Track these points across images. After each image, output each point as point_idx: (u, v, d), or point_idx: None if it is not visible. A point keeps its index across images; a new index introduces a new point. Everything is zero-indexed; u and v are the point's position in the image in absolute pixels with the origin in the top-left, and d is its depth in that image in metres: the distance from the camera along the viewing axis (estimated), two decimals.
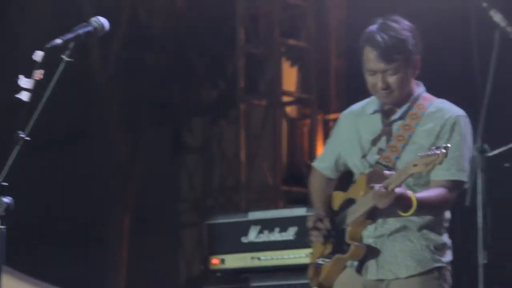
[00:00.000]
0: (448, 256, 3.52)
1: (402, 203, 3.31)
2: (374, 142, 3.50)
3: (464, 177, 3.44)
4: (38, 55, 3.03)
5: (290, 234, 5.69)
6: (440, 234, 3.51)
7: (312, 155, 3.74)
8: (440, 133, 3.44)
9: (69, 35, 3.10)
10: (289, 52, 8.62)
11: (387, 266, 3.47)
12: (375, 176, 3.38)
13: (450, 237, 3.54)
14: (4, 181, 2.97)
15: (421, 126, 3.47)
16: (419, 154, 3.21)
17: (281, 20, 8.51)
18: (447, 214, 3.54)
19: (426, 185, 3.46)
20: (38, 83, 3.02)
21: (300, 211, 5.62)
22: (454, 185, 3.43)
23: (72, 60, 3.08)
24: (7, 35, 7.61)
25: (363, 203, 3.41)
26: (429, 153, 3.18)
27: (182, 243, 9.04)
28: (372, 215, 3.43)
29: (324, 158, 3.73)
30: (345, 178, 3.73)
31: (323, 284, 3.57)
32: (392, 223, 3.46)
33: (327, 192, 3.68)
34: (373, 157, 3.49)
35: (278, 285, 5.72)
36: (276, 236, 5.72)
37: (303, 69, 8.66)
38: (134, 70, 8.54)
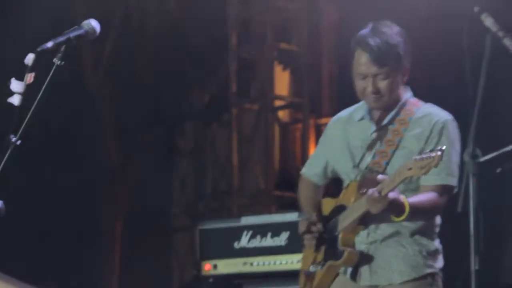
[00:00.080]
0: (440, 262, 3.52)
1: (395, 208, 3.30)
2: (370, 147, 3.50)
3: (453, 181, 3.44)
4: (29, 59, 3.02)
5: (282, 239, 5.68)
6: (432, 239, 3.51)
7: (304, 160, 3.75)
8: (428, 137, 3.45)
9: (60, 39, 3.09)
10: (281, 56, 8.62)
11: (381, 272, 3.46)
12: (366, 182, 3.39)
13: (442, 243, 3.54)
14: None
15: (409, 131, 3.47)
16: (414, 158, 3.21)
17: (273, 24, 8.50)
18: (438, 220, 3.55)
19: (416, 190, 3.46)
20: (29, 87, 3.01)
21: (292, 216, 5.61)
22: (444, 190, 3.43)
23: (63, 63, 3.07)
24: None
25: (355, 209, 3.41)
26: (424, 156, 3.17)
27: (175, 247, 9.02)
28: (364, 221, 3.43)
29: (313, 166, 3.73)
30: (333, 185, 3.73)
31: None
32: (385, 228, 3.46)
33: (316, 199, 3.68)
34: (363, 163, 3.49)
35: None
36: (269, 241, 5.72)
37: (295, 73, 8.66)
38: (126, 73, 8.53)
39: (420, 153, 3.23)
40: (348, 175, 3.54)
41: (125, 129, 8.70)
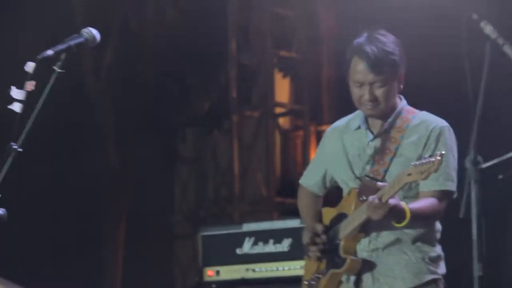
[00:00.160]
0: (442, 268, 3.53)
1: (396, 214, 3.30)
2: (367, 156, 3.51)
3: (452, 186, 3.46)
4: (30, 66, 3.02)
5: (284, 245, 5.68)
6: (433, 245, 3.51)
7: (305, 166, 3.75)
8: (426, 144, 3.46)
9: (61, 46, 3.10)
10: (281, 64, 8.63)
11: (383, 279, 3.46)
12: (365, 189, 3.39)
13: (445, 249, 3.54)
14: None
15: (406, 138, 3.48)
16: (413, 163, 3.22)
17: (272, 31, 8.52)
18: (438, 226, 3.55)
19: (416, 197, 3.47)
20: (30, 94, 3.02)
21: (294, 223, 5.61)
22: (444, 195, 3.44)
23: (64, 71, 3.08)
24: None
25: (356, 216, 3.41)
26: (423, 161, 3.18)
27: (176, 254, 9.02)
28: (365, 228, 3.43)
29: (311, 176, 3.73)
30: (330, 194, 3.73)
31: None
32: (386, 236, 3.46)
33: (316, 208, 3.70)
34: (361, 171, 3.49)
35: None
36: (271, 247, 5.72)
37: (295, 80, 8.67)
38: (126, 81, 8.54)
39: (418, 159, 3.24)
40: (347, 183, 3.55)
41: (126, 136, 8.71)
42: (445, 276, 3.54)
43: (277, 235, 5.71)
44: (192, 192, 9.10)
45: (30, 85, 3.02)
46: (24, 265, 7.03)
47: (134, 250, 8.53)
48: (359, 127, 3.56)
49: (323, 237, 3.53)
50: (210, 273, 5.86)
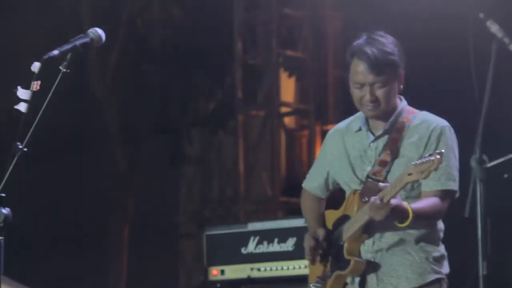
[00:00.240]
0: (446, 268, 3.53)
1: (398, 214, 3.31)
2: (369, 157, 3.51)
3: (454, 186, 3.46)
4: (36, 66, 3.03)
5: (289, 245, 5.68)
6: (437, 245, 3.52)
7: (310, 166, 3.75)
8: (427, 144, 3.46)
9: (66, 46, 3.10)
10: (287, 63, 8.63)
11: (387, 279, 3.46)
12: (368, 190, 3.40)
13: (450, 248, 3.54)
14: (2, 192, 2.96)
15: (407, 138, 3.49)
16: (413, 163, 3.23)
17: (278, 31, 8.52)
18: (442, 225, 3.55)
19: (418, 197, 3.47)
20: (36, 94, 3.02)
21: (299, 222, 5.60)
22: (446, 195, 3.45)
23: (70, 71, 3.08)
24: (7, 45, 7.62)
25: (358, 218, 3.42)
26: (423, 160, 3.19)
27: (181, 254, 9.03)
28: (368, 229, 3.44)
29: (313, 179, 3.74)
30: (335, 197, 3.74)
31: None
32: (390, 237, 3.47)
33: (320, 211, 3.70)
34: (363, 173, 3.50)
35: None
36: (276, 247, 5.72)
37: (301, 80, 8.67)
38: (132, 81, 8.55)
39: (420, 159, 3.25)
40: (350, 185, 3.56)
41: (131, 136, 8.72)
42: (449, 276, 3.54)
43: (282, 235, 5.71)
44: (197, 191, 9.10)
45: (36, 85, 3.02)
46: (29, 264, 7.05)
47: (139, 249, 8.54)
48: (360, 129, 3.57)
49: (323, 243, 3.55)
50: (215, 272, 5.86)
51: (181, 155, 9.15)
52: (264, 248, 5.74)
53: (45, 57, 3.05)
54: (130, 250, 8.61)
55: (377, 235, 3.47)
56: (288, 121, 8.74)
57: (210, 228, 6.12)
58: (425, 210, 3.38)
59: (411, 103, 3.63)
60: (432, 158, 3.16)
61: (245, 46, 8.51)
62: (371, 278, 3.48)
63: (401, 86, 3.52)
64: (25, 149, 2.99)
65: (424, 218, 3.40)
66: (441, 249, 3.53)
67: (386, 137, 3.51)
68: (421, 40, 6.08)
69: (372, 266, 3.47)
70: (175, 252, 9.01)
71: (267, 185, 8.42)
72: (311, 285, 3.62)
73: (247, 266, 5.77)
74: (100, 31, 3.18)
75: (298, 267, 5.60)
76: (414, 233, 3.47)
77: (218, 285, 5.86)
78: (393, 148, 3.47)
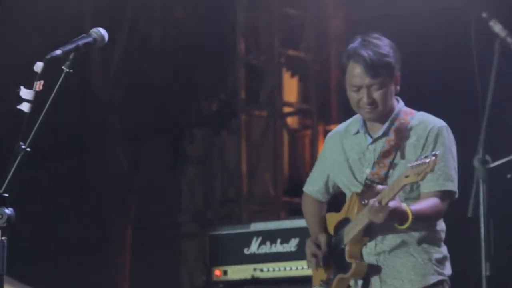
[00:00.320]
0: (448, 269, 3.53)
1: (398, 216, 3.32)
2: (368, 159, 3.51)
3: (452, 186, 3.47)
4: (38, 66, 3.03)
5: (292, 245, 5.68)
6: (439, 246, 3.52)
7: (313, 166, 3.76)
8: (424, 145, 3.47)
9: (69, 46, 3.10)
10: (289, 63, 8.63)
11: (391, 281, 3.47)
12: (367, 193, 3.41)
13: (453, 249, 3.54)
14: (4, 192, 2.96)
15: (405, 140, 3.51)
16: (409, 165, 3.23)
17: (281, 30, 8.52)
18: (443, 226, 3.56)
19: (417, 198, 3.49)
20: (38, 94, 3.02)
21: (302, 222, 5.55)
22: (444, 195, 3.46)
23: (72, 71, 3.08)
24: (7, 46, 7.62)
25: (359, 220, 3.43)
26: (419, 162, 3.19)
27: (184, 254, 9.03)
28: (369, 231, 3.44)
29: (314, 182, 3.75)
30: (337, 199, 3.74)
31: None
32: (392, 239, 3.47)
33: (321, 215, 3.72)
34: (362, 175, 3.50)
35: None
36: (278, 247, 5.72)
37: (303, 80, 8.67)
38: (134, 81, 8.55)
39: (419, 158, 3.25)
40: (350, 188, 3.57)
41: (133, 136, 8.72)
42: (452, 277, 3.53)
43: (285, 235, 5.70)
44: (200, 192, 9.10)
45: (39, 85, 3.03)
46: (32, 265, 7.05)
47: (142, 249, 8.54)
48: (358, 132, 3.58)
49: (325, 249, 3.57)
50: (217, 273, 5.86)
51: (183, 155, 9.16)
52: (267, 248, 5.74)
53: (48, 57, 3.05)
54: (132, 250, 8.61)
55: (379, 238, 3.48)
56: (291, 121, 8.74)
57: (213, 228, 6.12)
58: (424, 211, 3.38)
59: (413, 103, 3.63)
60: (428, 160, 3.17)
61: (247, 46, 8.52)
62: (375, 281, 3.48)
63: (398, 88, 3.54)
64: (28, 149, 2.99)
65: (424, 219, 3.40)
66: (443, 250, 3.53)
67: (384, 139, 3.52)
68: (423, 40, 6.08)
69: (375, 269, 3.47)
70: (178, 253, 9.01)
71: (270, 185, 8.42)
72: None
73: (250, 267, 5.77)
74: (103, 31, 3.19)
75: (301, 267, 5.60)
76: (416, 234, 3.47)
77: (221, 285, 5.86)
78: (391, 150, 3.48)
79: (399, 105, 3.57)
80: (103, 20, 7.24)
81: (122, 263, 8.55)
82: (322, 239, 3.59)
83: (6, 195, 2.96)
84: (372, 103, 3.46)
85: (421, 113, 3.57)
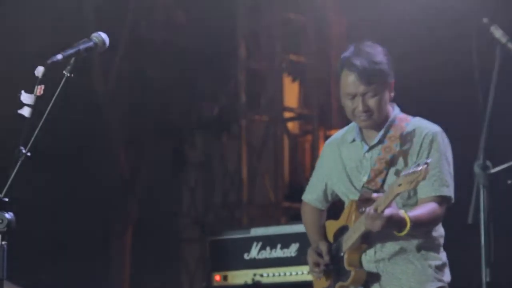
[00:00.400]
0: (447, 276, 3.54)
1: (395, 223, 3.32)
2: (364, 167, 3.52)
3: (448, 191, 3.47)
4: (39, 71, 3.03)
5: (292, 250, 5.67)
6: (438, 253, 3.53)
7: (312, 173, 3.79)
8: (419, 151, 3.47)
9: (70, 51, 3.10)
10: (290, 68, 8.64)
11: None
12: (364, 201, 3.42)
13: (453, 255, 3.53)
14: (5, 196, 2.96)
15: (400, 147, 3.52)
16: (402, 173, 3.24)
17: (282, 35, 8.53)
18: (442, 231, 3.56)
19: (415, 205, 3.49)
20: (39, 99, 3.02)
21: (302, 227, 5.54)
22: (441, 200, 3.46)
23: (73, 75, 3.08)
24: (10, 49, 7.63)
25: (356, 228, 3.44)
26: (411, 171, 3.20)
27: (184, 259, 9.02)
28: (367, 239, 3.45)
29: (312, 191, 3.76)
30: (336, 207, 3.75)
31: None
32: (391, 246, 3.48)
33: (320, 223, 3.73)
34: (360, 183, 3.51)
35: None
36: (278, 252, 5.71)
37: (304, 85, 8.68)
38: (135, 85, 8.56)
39: (411, 168, 3.26)
40: (348, 196, 3.58)
41: (134, 140, 8.72)
42: (452, 283, 3.53)
43: (285, 240, 5.70)
44: (200, 196, 9.10)
45: (40, 89, 3.03)
46: (32, 267, 7.05)
47: (142, 253, 8.54)
48: (354, 140, 3.59)
49: (326, 258, 3.57)
50: (217, 278, 5.85)
51: (184, 160, 9.16)
52: (267, 253, 5.74)
53: (49, 61, 3.05)
54: (132, 254, 8.60)
55: (378, 245, 3.48)
56: (292, 126, 8.74)
57: (213, 233, 6.11)
58: (422, 217, 3.39)
59: (413, 109, 3.63)
60: (420, 168, 3.17)
61: (248, 51, 8.52)
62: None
63: (392, 94, 3.55)
64: (28, 154, 2.99)
65: (422, 225, 3.41)
66: (443, 256, 3.53)
67: (380, 147, 3.53)
68: (424, 44, 6.08)
69: (375, 276, 3.48)
70: (178, 257, 9.01)
71: (270, 190, 8.42)
72: None
73: (250, 272, 5.76)
74: (104, 36, 3.19)
75: (301, 272, 5.59)
76: (415, 241, 3.48)
77: None
78: (387, 157, 3.49)
79: (394, 111, 3.58)
80: (104, 23, 7.24)
81: (122, 267, 8.55)
82: (323, 247, 3.59)
83: (6, 199, 2.96)
84: (367, 110, 3.47)
85: (417, 118, 3.58)
